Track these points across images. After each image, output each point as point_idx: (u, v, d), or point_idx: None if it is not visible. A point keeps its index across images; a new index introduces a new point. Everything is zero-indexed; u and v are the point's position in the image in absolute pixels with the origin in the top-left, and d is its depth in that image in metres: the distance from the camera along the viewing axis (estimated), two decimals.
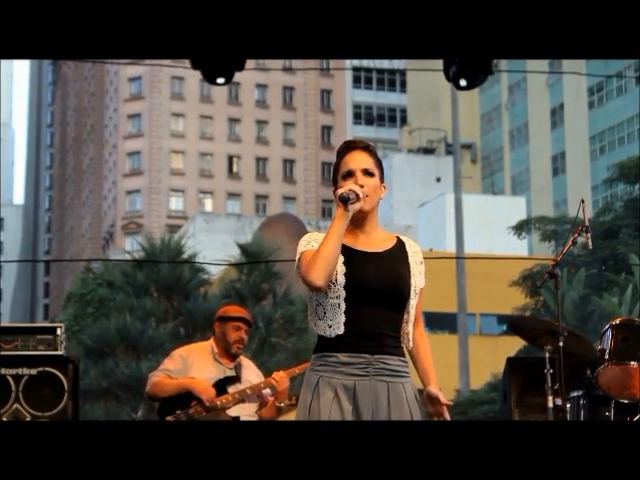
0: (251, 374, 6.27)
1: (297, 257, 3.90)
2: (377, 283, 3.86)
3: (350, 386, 3.83)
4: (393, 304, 3.90)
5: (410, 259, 3.98)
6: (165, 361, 6.33)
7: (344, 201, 3.80)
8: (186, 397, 6.04)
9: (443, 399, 3.89)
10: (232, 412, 6.08)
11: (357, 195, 3.82)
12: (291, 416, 6.68)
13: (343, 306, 3.85)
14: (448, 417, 3.90)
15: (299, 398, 3.94)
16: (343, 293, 3.84)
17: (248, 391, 6.11)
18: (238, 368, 6.24)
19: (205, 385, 6.05)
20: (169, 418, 6.04)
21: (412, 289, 3.94)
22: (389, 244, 3.99)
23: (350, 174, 3.91)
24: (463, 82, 8.11)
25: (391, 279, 3.89)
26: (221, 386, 6.11)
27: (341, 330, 3.85)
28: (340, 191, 3.83)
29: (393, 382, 3.87)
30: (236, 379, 6.17)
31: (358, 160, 3.94)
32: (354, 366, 3.84)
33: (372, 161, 3.96)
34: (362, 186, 3.86)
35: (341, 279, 3.84)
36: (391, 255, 3.95)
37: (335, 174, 3.99)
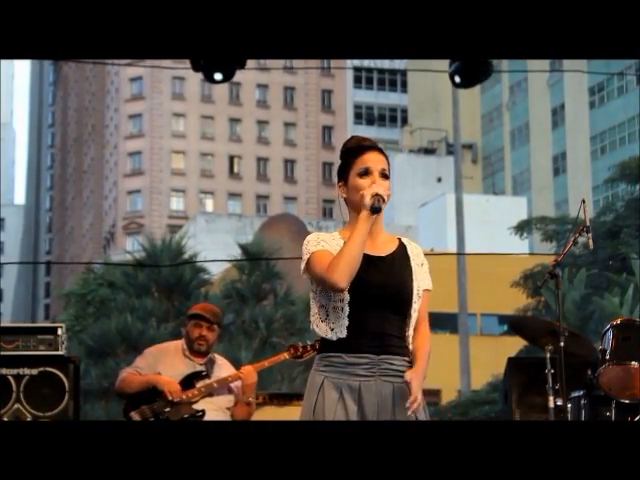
0: (223, 371, 6.25)
1: (306, 257, 3.87)
2: (381, 288, 3.86)
3: (355, 387, 3.83)
4: (397, 308, 3.90)
5: (412, 262, 3.98)
6: (137, 359, 6.37)
7: (377, 212, 3.79)
8: (152, 393, 6.05)
9: (412, 391, 3.76)
10: (198, 406, 6.07)
11: (384, 200, 3.83)
12: (265, 413, 6.72)
13: (347, 310, 3.84)
14: (415, 408, 3.76)
15: (304, 398, 3.94)
16: (347, 297, 3.84)
17: (215, 384, 6.11)
18: (209, 365, 6.23)
19: (169, 379, 6.05)
20: (133, 413, 6.05)
21: (415, 293, 3.94)
22: (392, 247, 3.98)
23: (367, 172, 3.90)
24: (457, 79, 8.13)
25: (395, 284, 3.89)
26: (188, 381, 6.11)
27: (344, 334, 3.84)
28: (367, 199, 3.80)
29: (398, 382, 3.86)
30: (205, 375, 6.16)
31: (376, 160, 3.93)
32: (359, 367, 3.84)
33: (387, 164, 3.97)
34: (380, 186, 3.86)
35: None
36: (394, 259, 3.95)
37: (346, 170, 3.96)
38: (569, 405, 5.61)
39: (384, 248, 3.96)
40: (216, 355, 6.36)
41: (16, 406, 6.51)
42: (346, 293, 3.83)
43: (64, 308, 35.76)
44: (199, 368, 6.20)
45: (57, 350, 6.64)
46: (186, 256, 28.87)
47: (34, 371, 6.57)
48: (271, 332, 26.34)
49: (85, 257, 69.40)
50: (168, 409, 6.03)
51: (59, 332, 6.68)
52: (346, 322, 3.85)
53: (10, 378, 6.54)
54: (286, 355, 6.22)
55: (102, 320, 28.32)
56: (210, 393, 6.12)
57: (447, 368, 27.85)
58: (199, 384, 6.12)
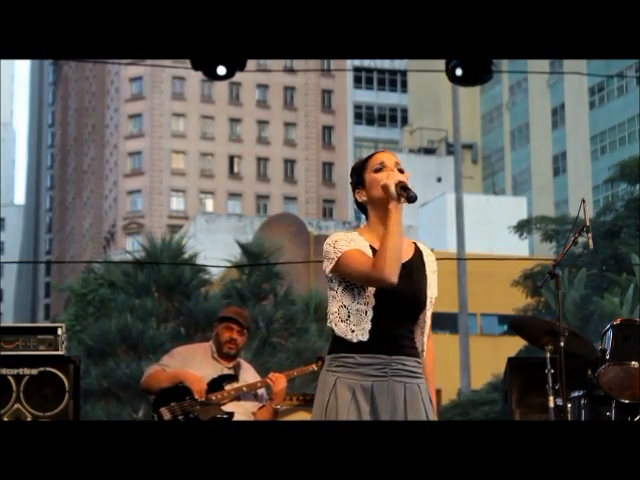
0: (249, 376, 6.28)
1: (336, 255, 3.86)
2: (404, 294, 3.88)
3: (368, 387, 3.84)
4: (412, 313, 3.94)
5: (427, 269, 4.01)
6: (164, 357, 6.40)
7: (414, 200, 3.80)
8: (181, 390, 6.07)
9: None
10: (227, 408, 6.10)
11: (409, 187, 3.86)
12: (292, 419, 6.71)
13: (370, 314, 3.86)
14: None
15: (315, 398, 3.94)
16: (373, 301, 3.85)
17: (244, 389, 6.13)
18: (237, 368, 6.26)
19: (197, 377, 6.07)
20: (163, 409, 6.05)
21: (428, 300, 3.98)
22: (410, 252, 4.00)
23: (382, 167, 3.96)
24: (459, 71, 8.03)
25: (415, 290, 3.92)
26: (218, 383, 6.13)
27: (365, 337, 3.85)
28: (393, 189, 3.81)
29: (410, 382, 3.89)
30: (233, 377, 6.18)
31: (389, 158, 4.01)
32: (372, 367, 3.86)
33: (400, 164, 4.02)
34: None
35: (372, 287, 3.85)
36: (413, 265, 3.97)
37: (361, 174, 4.00)
38: (569, 405, 5.61)
39: (404, 253, 3.96)
40: (241, 360, 6.38)
41: (16, 406, 6.51)
42: (372, 297, 3.85)
43: (64, 308, 35.73)
44: (227, 371, 6.21)
45: (57, 350, 6.63)
46: (186, 256, 28.87)
47: (34, 371, 6.56)
48: (271, 332, 26.32)
49: (85, 257, 69.40)
50: (198, 408, 6.04)
51: (59, 332, 6.67)
52: (369, 326, 3.85)
53: (10, 378, 6.53)
54: (314, 367, 6.24)
55: (102, 320, 28.28)
56: (238, 397, 6.14)
57: (447, 368, 27.82)
58: (228, 387, 6.15)
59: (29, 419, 6.46)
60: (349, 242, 3.89)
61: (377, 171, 3.95)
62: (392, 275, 3.76)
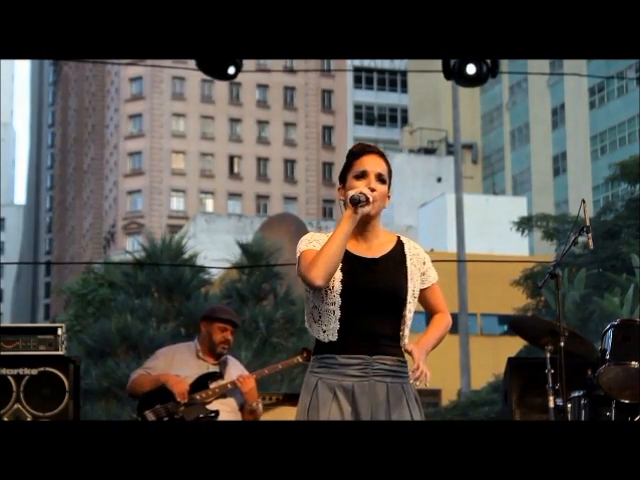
0: (236, 371, 6.31)
1: (297, 255, 3.89)
2: (373, 292, 3.85)
3: (349, 387, 3.84)
4: (389, 310, 3.89)
5: (408, 262, 3.96)
6: (148, 360, 6.44)
7: (354, 203, 3.78)
8: (165, 393, 6.08)
9: (415, 360, 3.78)
10: (213, 406, 6.12)
11: (367, 198, 3.81)
12: (277, 414, 6.74)
13: (338, 313, 3.85)
14: (418, 376, 3.75)
15: (299, 400, 3.94)
16: (339, 300, 3.84)
17: (229, 386, 6.14)
18: (222, 365, 6.28)
19: (178, 379, 6.09)
20: (147, 412, 6.08)
21: (410, 293, 3.92)
22: (388, 247, 3.97)
23: (364, 175, 3.90)
24: (472, 69, 7.84)
25: (387, 286, 3.87)
26: (202, 381, 6.15)
27: (335, 337, 3.85)
28: (351, 192, 3.82)
29: (392, 382, 3.87)
30: (218, 375, 6.20)
31: (374, 163, 3.93)
32: (353, 367, 3.84)
33: (386, 169, 3.96)
34: (373, 190, 3.85)
35: (337, 286, 3.84)
36: (388, 260, 3.93)
37: (345, 172, 3.97)
38: (569, 405, 5.61)
39: (380, 249, 3.95)
40: (228, 356, 6.40)
41: (16, 406, 6.51)
42: (338, 296, 3.84)
43: (64, 308, 35.74)
44: (212, 369, 6.23)
45: (57, 350, 6.63)
46: (186, 256, 28.86)
47: (34, 371, 6.56)
48: (271, 332, 26.31)
49: (85, 257, 69.41)
50: (182, 408, 6.05)
51: (59, 332, 6.67)
52: (337, 325, 3.85)
53: (10, 378, 6.54)
54: (299, 358, 6.27)
55: (102, 320, 28.28)
56: (224, 394, 6.16)
57: (447, 368, 27.83)
58: (213, 385, 6.17)
59: (29, 419, 6.46)
60: (309, 242, 3.88)
61: (357, 178, 3.90)
62: (317, 279, 3.74)
